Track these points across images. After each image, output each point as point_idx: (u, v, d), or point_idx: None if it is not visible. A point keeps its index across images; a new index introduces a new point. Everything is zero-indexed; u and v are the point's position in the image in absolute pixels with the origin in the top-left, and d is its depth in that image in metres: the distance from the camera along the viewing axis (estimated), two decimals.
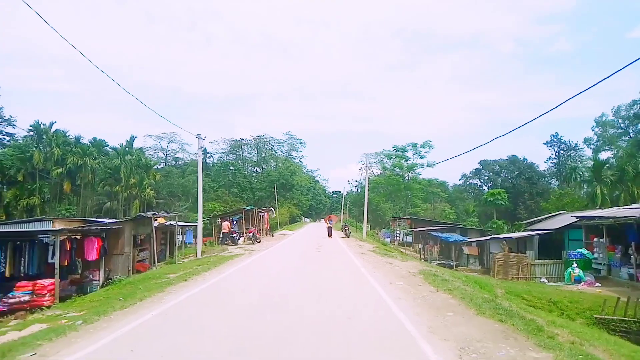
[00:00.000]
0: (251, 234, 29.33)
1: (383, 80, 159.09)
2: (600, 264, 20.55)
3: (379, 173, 72.49)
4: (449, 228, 39.45)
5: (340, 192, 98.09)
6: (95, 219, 24.44)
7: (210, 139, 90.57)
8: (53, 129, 56.50)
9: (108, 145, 65.76)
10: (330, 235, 32.11)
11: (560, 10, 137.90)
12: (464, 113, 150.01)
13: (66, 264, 14.63)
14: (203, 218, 24.31)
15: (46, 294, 13.18)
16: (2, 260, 13.87)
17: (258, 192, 78.59)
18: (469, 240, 32.82)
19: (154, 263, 18.84)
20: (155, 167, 72.88)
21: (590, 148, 61.50)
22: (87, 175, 56.87)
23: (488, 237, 31.07)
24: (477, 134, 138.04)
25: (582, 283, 18.83)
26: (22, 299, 12.99)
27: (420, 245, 37.53)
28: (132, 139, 64.56)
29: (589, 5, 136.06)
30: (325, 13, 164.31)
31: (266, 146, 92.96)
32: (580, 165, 49.68)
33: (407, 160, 67.38)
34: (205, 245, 26.22)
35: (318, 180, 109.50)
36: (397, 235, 48.23)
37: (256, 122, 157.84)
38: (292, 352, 5.24)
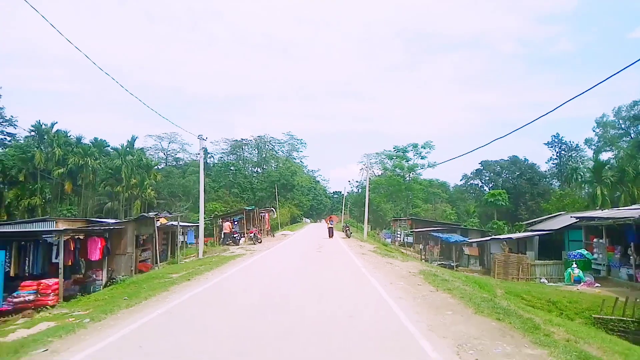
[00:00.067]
0: (252, 234, 29.48)
1: (383, 80, 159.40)
2: (600, 264, 20.65)
3: (379, 173, 72.66)
4: (450, 229, 39.58)
5: (340, 192, 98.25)
6: (97, 219, 24.61)
7: (211, 139, 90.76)
8: (54, 129, 56.77)
9: (109, 146, 66.03)
10: (331, 235, 32.25)
11: (562, 11, 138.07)
12: (464, 113, 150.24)
13: (70, 263, 14.78)
14: (204, 218, 24.48)
15: (50, 293, 13.33)
16: (7, 260, 13.98)
17: (259, 193, 78.75)
18: (470, 240, 32.94)
19: (156, 263, 19.01)
20: (156, 167, 73.08)
21: (591, 149, 61.61)
22: (88, 175, 57.10)
23: (488, 238, 31.19)
24: (477, 134, 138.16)
25: (582, 283, 18.95)
26: (26, 298, 13.14)
27: (421, 246, 37.66)
28: (133, 139, 64.79)
29: (590, 5, 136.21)
30: (326, 13, 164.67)
31: (267, 146, 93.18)
32: (581, 166, 49.77)
33: (407, 161, 67.52)
34: (206, 245, 26.36)
35: (319, 181, 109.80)
36: (398, 235, 48.35)
37: (257, 122, 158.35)
38: (293, 350, 5.38)
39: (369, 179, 46.04)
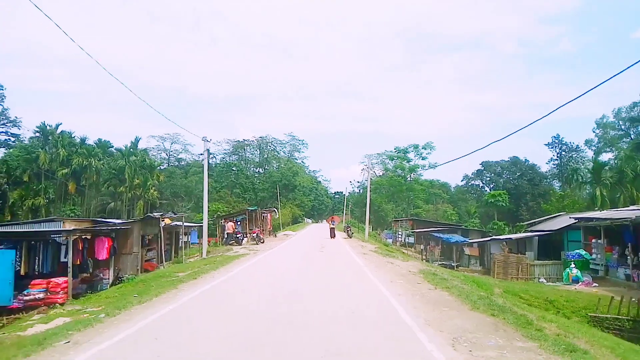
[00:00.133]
0: (255, 234, 29.84)
1: (384, 80, 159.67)
2: (598, 264, 20.94)
3: (381, 174, 72.98)
4: (451, 229, 39.95)
5: (342, 192, 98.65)
6: (104, 220, 24.99)
7: (213, 140, 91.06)
8: (59, 130, 57.22)
9: (113, 147, 66.42)
10: (332, 236, 32.57)
11: (563, 11, 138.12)
12: (464, 113, 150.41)
13: (78, 263, 15.17)
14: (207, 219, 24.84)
15: (60, 291, 13.68)
16: (18, 259, 14.37)
17: (260, 193, 79.11)
18: (470, 241, 33.28)
19: (162, 262, 19.39)
20: (158, 167, 73.52)
21: (591, 150, 61.88)
22: (92, 176, 57.52)
23: (488, 238, 31.51)
24: (477, 135, 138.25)
25: (580, 283, 19.25)
26: (36, 296, 13.51)
27: (421, 246, 38.02)
28: (137, 140, 65.27)
29: (591, 5, 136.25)
30: (327, 13, 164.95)
31: (268, 147, 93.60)
32: (582, 167, 50.10)
33: (409, 162, 67.88)
34: (209, 245, 26.74)
35: (320, 181, 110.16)
36: (399, 236, 48.70)
37: (257, 122, 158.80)
38: (301, 341, 5.74)
39: (370, 179, 46.38)
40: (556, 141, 71.04)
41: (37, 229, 17.77)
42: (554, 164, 72.23)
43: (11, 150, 57.34)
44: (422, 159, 66.94)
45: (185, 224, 26.38)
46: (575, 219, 23.59)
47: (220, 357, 5.02)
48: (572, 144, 70.06)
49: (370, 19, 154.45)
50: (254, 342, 5.51)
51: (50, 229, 17.14)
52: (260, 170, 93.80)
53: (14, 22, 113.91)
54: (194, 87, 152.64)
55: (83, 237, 15.47)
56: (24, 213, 52.14)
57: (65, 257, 14.84)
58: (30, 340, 5.87)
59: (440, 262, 30.61)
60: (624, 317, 13.40)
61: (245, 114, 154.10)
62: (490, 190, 68.61)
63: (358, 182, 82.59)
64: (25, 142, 58.47)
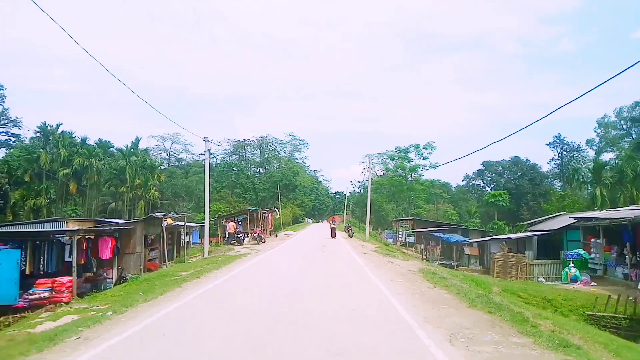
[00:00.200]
0: (256, 234, 30.04)
1: (384, 80, 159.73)
2: (597, 264, 21.08)
3: (381, 174, 73.19)
4: (451, 229, 40.11)
5: (342, 192, 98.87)
6: (107, 220, 25.21)
7: (213, 140, 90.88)
8: (60, 130, 57.45)
9: (113, 147, 66.65)
10: (333, 235, 32.74)
11: (563, 11, 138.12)
12: (464, 113, 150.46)
13: (82, 262, 15.36)
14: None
15: (65, 290, 13.89)
16: (23, 259, 14.58)
17: (261, 193, 79.31)
18: (470, 240, 33.44)
19: (164, 262, 19.59)
20: (159, 168, 73.76)
21: (593, 149, 62.04)
22: (93, 176, 57.77)
23: (488, 238, 31.67)
24: (478, 135, 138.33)
25: (578, 282, 19.40)
26: (42, 295, 13.72)
27: (422, 246, 38.19)
28: (138, 140, 65.49)
29: (592, 5, 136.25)
30: (327, 13, 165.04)
31: (269, 147, 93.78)
32: (583, 166, 50.35)
33: (409, 162, 68.08)
34: (211, 245, 26.93)
35: (321, 181, 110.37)
36: (400, 235, 48.89)
37: (257, 122, 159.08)
38: (302, 337, 5.94)
39: (371, 179, 46.56)
40: (557, 141, 71.09)
41: (42, 229, 17.96)
42: (555, 164, 72.35)
43: (12, 150, 57.56)
44: (423, 159, 67.23)
45: (187, 224, 26.59)
46: (575, 218, 23.75)
47: (223, 356, 5.15)
48: (573, 143, 70.19)
49: (370, 19, 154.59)
50: (256, 342, 5.65)
51: (54, 229, 17.35)
52: (261, 170, 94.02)
53: (14, 22, 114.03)
54: (194, 87, 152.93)
55: (87, 237, 15.68)
56: (26, 213, 52.39)
57: (69, 257, 15.05)
58: (42, 337, 6.07)
59: (440, 262, 30.78)
60: (620, 316, 13.58)
61: (245, 114, 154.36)
62: (491, 190, 68.76)
63: (359, 182, 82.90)
64: (25, 142, 58.72)
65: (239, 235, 29.13)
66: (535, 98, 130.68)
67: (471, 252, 31.94)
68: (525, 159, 70.93)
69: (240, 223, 33.03)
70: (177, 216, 23.13)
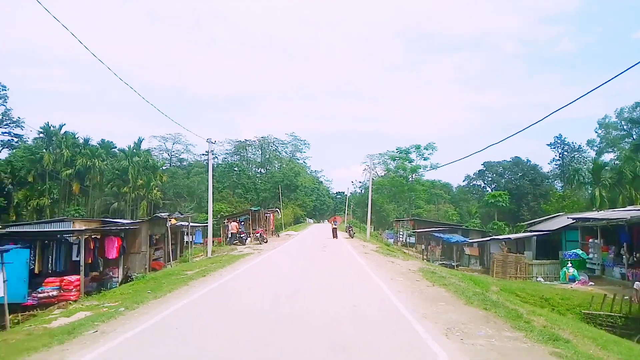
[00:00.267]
0: (258, 234, 30.37)
1: (384, 80, 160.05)
2: (595, 263, 21.33)
3: (382, 174, 73.53)
4: (451, 229, 40.46)
5: (343, 192, 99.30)
6: (112, 220, 25.57)
7: (214, 140, 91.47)
8: (62, 131, 57.95)
9: (116, 147, 67.15)
10: (335, 236, 33.03)
11: (564, 11, 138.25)
12: (464, 113, 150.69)
13: (90, 261, 15.73)
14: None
15: (73, 289, 14.23)
16: (32, 258, 14.93)
17: (262, 193, 79.65)
18: (470, 241, 33.77)
19: (169, 261, 19.95)
20: (161, 168, 74.18)
21: (594, 150, 62.31)
22: (96, 176, 58.30)
23: (488, 238, 31.98)
24: (478, 135, 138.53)
25: (576, 282, 19.67)
26: (50, 293, 14.06)
27: (422, 246, 38.53)
28: (140, 140, 66.00)
29: (593, 5, 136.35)
30: (327, 13, 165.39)
31: (270, 147, 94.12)
32: (583, 167, 50.62)
33: (410, 162, 68.42)
34: (213, 245, 27.26)
35: (322, 181, 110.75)
36: (400, 236, 49.23)
37: (258, 122, 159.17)
38: (306, 332, 6.27)
39: (372, 179, 46.89)
40: (558, 141, 71.23)
41: (50, 229, 18.32)
42: (556, 164, 72.52)
43: (15, 150, 58.07)
44: (424, 160, 67.61)
45: (191, 224, 26.94)
46: (573, 219, 24.04)
47: (227, 355, 5.36)
48: (574, 144, 70.35)
49: (370, 19, 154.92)
50: (259, 342, 5.83)
51: (63, 229, 17.70)
52: (262, 170, 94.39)
53: (14, 22, 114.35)
54: (194, 87, 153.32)
55: (94, 236, 16.06)
56: (29, 213, 52.87)
57: (77, 256, 15.40)
58: (60, 331, 6.42)
59: (440, 262, 31.10)
60: (616, 314, 13.86)
61: (246, 114, 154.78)
62: (491, 190, 69.03)
63: (360, 182, 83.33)
64: (28, 142, 59.22)
65: (242, 236, 29.46)
66: (535, 98, 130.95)
67: (471, 252, 32.26)
68: (526, 160, 71.27)
69: (242, 223, 33.38)
70: (182, 216, 23.50)
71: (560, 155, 71.29)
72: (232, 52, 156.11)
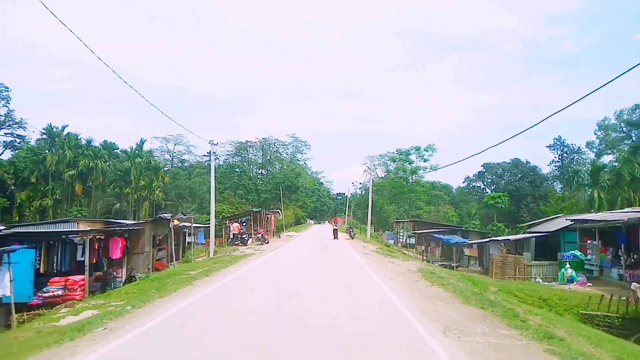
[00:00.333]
0: (260, 235, 30.59)
1: (384, 80, 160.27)
2: (593, 265, 21.52)
3: (383, 175, 73.75)
4: (451, 230, 40.67)
5: (344, 194, 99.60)
6: (116, 220, 25.79)
7: (215, 140, 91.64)
8: (65, 132, 58.23)
9: (118, 148, 67.45)
10: (335, 236, 33.24)
11: (565, 12, 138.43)
12: (465, 113, 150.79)
13: (94, 261, 15.95)
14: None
15: (77, 289, 14.45)
16: (37, 258, 15.14)
17: (263, 194, 79.93)
18: (470, 242, 33.94)
19: (171, 261, 20.16)
20: (163, 169, 74.48)
21: (593, 151, 62.46)
22: (98, 177, 58.58)
23: (487, 239, 32.15)
24: (478, 135, 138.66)
25: (575, 283, 19.85)
26: (55, 293, 14.26)
27: (422, 247, 38.73)
28: (142, 142, 66.29)
29: (594, 6, 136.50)
30: (327, 13, 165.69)
31: (271, 148, 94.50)
32: (583, 169, 50.84)
33: (410, 163, 68.63)
34: (215, 245, 27.47)
35: (322, 182, 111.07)
36: (401, 237, 49.44)
37: (258, 122, 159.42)
38: (307, 330, 6.47)
39: (372, 180, 47.11)
40: (558, 143, 71.31)
41: (55, 230, 18.53)
42: (555, 166, 72.64)
43: (18, 151, 58.36)
44: (424, 161, 67.79)
45: (193, 224, 27.16)
46: (571, 220, 24.24)
47: (229, 355, 5.46)
48: (573, 145, 70.47)
49: (370, 19, 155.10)
50: (259, 342, 5.93)
51: (68, 230, 17.91)
52: (263, 171, 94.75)
53: (14, 22, 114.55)
54: (194, 87, 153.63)
55: (98, 237, 16.28)
56: (32, 214, 53.15)
57: (81, 256, 15.61)
58: (70, 328, 6.63)
59: (440, 263, 31.28)
60: (613, 315, 14.03)
61: (246, 114, 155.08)
62: (491, 191, 69.19)
63: (360, 183, 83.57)
64: (30, 143, 59.52)
65: (243, 236, 29.69)
66: (535, 99, 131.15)
67: (471, 253, 32.45)
68: (525, 161, 71.33)
69: (244, 224, 33.61)
70: (184, 217, 23.72)
71: (560, 157, 71.42)
72: (232, 52, 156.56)
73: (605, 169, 42.33)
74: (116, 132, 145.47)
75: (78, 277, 14.64)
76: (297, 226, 67.86)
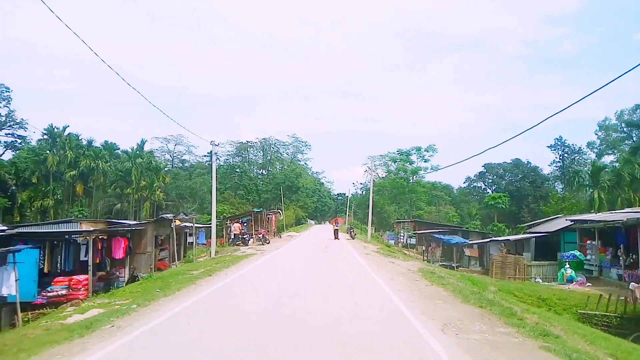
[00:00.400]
0: (261, 235, 30.76)
1: (384, 80, 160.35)
2: (593, 265, 21.65)
3: (384, 175, 73.91)
4: (451, 231, 40.85)
5: (344, 194, 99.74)
6: (118, 221, 25.99)
7: (215, 141, 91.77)
8: (66, 133, 58.45)
9: (119, 149, 67.66)
10: (336, 237, 33.37)
11: (566, 12, 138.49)
12: (465, 113, 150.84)
13: (97, 261, 16.13)
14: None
15: (81, 288, 14.62)
16: (41, 258, 15.32)
17: (264, 195, 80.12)
18: (470, 242, 34.09)
19: (173, 261, 20.34)
20: (164, 169, 74.68)
21: (594, 152, 62.60)
22: (99, 177, 58.78)
23: (488, 240, 32.29)
24: (478, 135, 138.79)
25: (574, 283, 19.99)
26: (59, 292, 14.44)
27: (423, 247, 38.89)
28: (143, 142, 66.54)
29: (594, 6, 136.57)
30: (327, 13, 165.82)
31: (272, 148, 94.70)
32: (584, 169, 50.97)
33: (411, 164, 68.80)
34: (216, 245, 27.62)
35: (323, 183, 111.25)
36: (401, 237, 49.59)
37: (258, 122, 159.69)
38: (309, 328, 6.64)
39: (373, 181, 47.27)
40: (559, 143, 71.39)
41: (59, 230, 18.72)
42: (556, 166, 72.74)
43: (19, 152, 58.61)
44: (425, 161, 67.93)
45: (195, 225, 27.33)
46: (571, 221, 24.38)
47: (230, 355, 5.53)
48: (574, 146, 70.56)
49: (370, 19, 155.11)
50: (259, 342, 5.99)
51: (72, 230, 18.10)
52: (264, 171, 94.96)
53: (14, 22, 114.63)
54: (194, 87, 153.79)
55: (101, 237, 16.47)
56: (33, 214, 53.38)
57: (85, 256, 15.81)
58: (78, 326, 6.80)
59: (441, 263, 31.43)
60: (611, 314, 14.17)
61: (246, 114, 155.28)
62: (492, 192, 69.33)
63: (361, 183, 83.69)
64: (31, 143, 59.80)
65: (244, 236, 29.86)
66: (536, 99, 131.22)
67: (471, 253, 32.59)
68: (526, 161, 71.49)
69: (245, 224, 33.77)
70: (186, 218, 23.91)
71: (561, 157, 71.52)
72: (232, 52, 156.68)
73: (606, 170, 42.46)
74: (116, 132, 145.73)
75: (82, 277, 14.81)
76: (297, 226, 68.03)
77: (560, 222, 27.31)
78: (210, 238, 27.18)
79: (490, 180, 75.43)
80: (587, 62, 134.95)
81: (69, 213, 52.52)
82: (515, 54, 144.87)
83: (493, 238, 33.94)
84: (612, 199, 37.74)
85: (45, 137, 58.39)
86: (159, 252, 20.00)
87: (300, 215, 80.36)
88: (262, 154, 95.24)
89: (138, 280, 15.89)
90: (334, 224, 37.64)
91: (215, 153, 25.72)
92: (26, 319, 12.25)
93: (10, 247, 12.50)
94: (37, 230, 18.97)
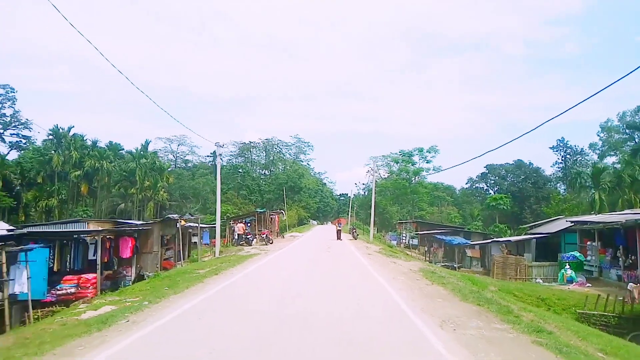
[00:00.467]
0: (264, 235, 31.10)
1: (384, 80, 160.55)
2: (593, 266, 21.86)
3: (386, 176, 74.11)
4: (453, 231, 41.05)
5: (347, 194, 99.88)
6: (125, 221, 26.38)
7: (217, 141, 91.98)
8: (71, 133, 59.04)
9: (123, 149, 68.19)
10: (339, 237, 33.66)
11: (569, 13, 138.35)
12: (466, 114, 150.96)
13: (105, 260, 16.51)
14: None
15: (90, 286, 15.01)
16: (51, 257, 15.70)
17: (266, 195, 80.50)
18: (472, 243, 34.30)
19: (179, 261, 20.70)
20: (168, 169, 75.16)
21: (596, 153, 62.67)
22: (104, 177, 59.33)
23: (489, 241, 32.51)
24: (480, 136, 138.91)
25: (574, 283, 20.22)
26: (68, 291, 14.81)
27: (425, 248, 39.14)
28: (147, 143, 67.13)
29: (597, 7, 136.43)
30: (328, 14, 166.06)
31: (274, 149, 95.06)
32: (585, 170, 51.07)
33: (413, 165, 69.02)
34: (221, 245, 27.98)
35: (325, 183, 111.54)
36: (403, 238, 49.85)
37: (258, 122, 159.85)
38: (313, 325, 6.96)
39: (375, 181, 47.56)
40: (561, 144, 71.44)
41: (68, 230, 19.12)
42: (558, 167, 72.80)
43: (25, 152, 59.23)
44: (427, 162, 68.08)
45: (199, 225, 27.68)
46: (572, 222, 24.61)
47: (235, 355, 5.69)
48: (576, 147, 70.59)
49: (370, 19, 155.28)
50: (263, 342, 6.15)
51: (81, 230, 18.49)
52: (266, 172, 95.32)
53: (14, 22, 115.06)
54: (195, 87, 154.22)
55: (108, 237, 16.84)
56: (38, 214, 53.91)
57: (93, 255, 16.19)
58: (95, 320, 7.14)
59: (443, 264, 31.67)
60: (609, 314, 14.43)
61: (246, 114, 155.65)
62: (494, 193, 69.47)
63: (363, 184, 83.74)
64: (36, 144, 60.42)
65: (248, 236, 30.17)
66: (537, 100, 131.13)
67: (473, 254, 32.82)
68: (528, 163, 71.55)
69: (249, 224, 34.10)
70: (192, 218, 24.27)
71: (563, 159, 71.57)
72: (233, 52, 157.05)
73: (608, 171, 42.61)
74: (118, 132, 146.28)
75: (90, 276, 15.19)
76: (300, 227, 68.36)
77: (561, 224, 27.53)
78: (213, 238, 27.53)
79: (493, 181, 75.53)
80: (588, 63, 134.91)
81: (73, 213, 53.05)
82: (516, 55, 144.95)
83: (494, 239, 34.17)
84: (613, 201, 37.90)
85: (51, 137, 59.00)
86: (165, 252, 20.37)
87: (302, 215, 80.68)
88: (264, 155, 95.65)
89: (145, 279, 16.21)
90: (336, 224, 37.96)
91: (220, 154, 26.09)
92: (36, 317, 12.60)
93: (23, 247, 12.88)
94: (47, 230, 19.36)
